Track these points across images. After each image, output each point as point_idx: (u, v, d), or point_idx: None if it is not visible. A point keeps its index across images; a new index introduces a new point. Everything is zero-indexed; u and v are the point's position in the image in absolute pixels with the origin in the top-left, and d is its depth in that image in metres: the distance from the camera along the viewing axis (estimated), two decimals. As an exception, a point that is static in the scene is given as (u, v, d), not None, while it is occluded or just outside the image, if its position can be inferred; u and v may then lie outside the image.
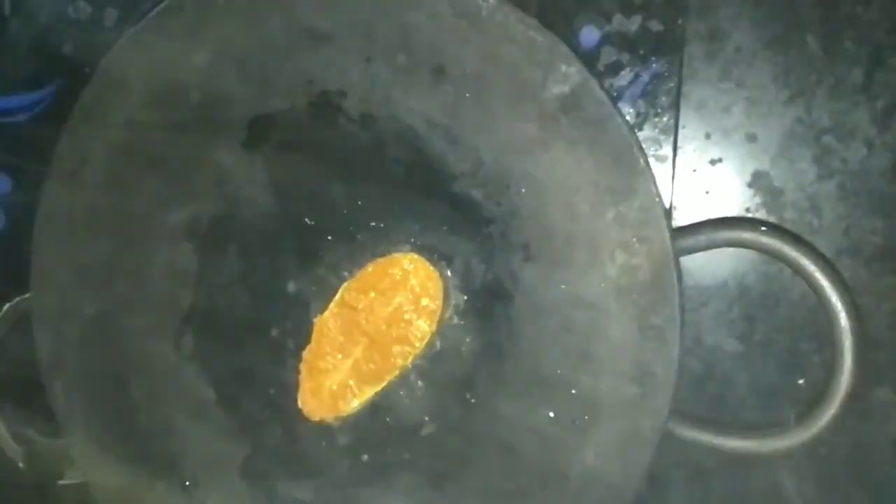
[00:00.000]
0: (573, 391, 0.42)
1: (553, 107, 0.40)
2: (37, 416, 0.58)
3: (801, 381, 0.49)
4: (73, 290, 0.50)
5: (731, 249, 0.46)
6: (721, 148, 0.48)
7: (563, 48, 0.39)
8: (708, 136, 0.48)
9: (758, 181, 0.48)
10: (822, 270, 0.36)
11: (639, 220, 0.39)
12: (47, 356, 0.51)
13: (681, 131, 0.48)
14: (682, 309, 0.39)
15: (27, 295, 0.52)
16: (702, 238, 0.39)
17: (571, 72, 0.39)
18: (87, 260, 0.50)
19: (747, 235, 0.38)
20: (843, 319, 0.36)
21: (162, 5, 0.46)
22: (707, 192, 0.49)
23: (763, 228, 0.38)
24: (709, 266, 0.49)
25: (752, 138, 0.48)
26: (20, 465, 0.59)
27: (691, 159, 0.48)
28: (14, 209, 0.59)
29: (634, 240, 0.40)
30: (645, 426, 0.40)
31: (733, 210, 0.48)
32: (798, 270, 0.37)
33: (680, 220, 0.49)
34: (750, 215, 0.48)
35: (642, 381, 0.40)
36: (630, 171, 0.39)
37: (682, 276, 0.39)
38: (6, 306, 0.53)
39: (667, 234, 0.39)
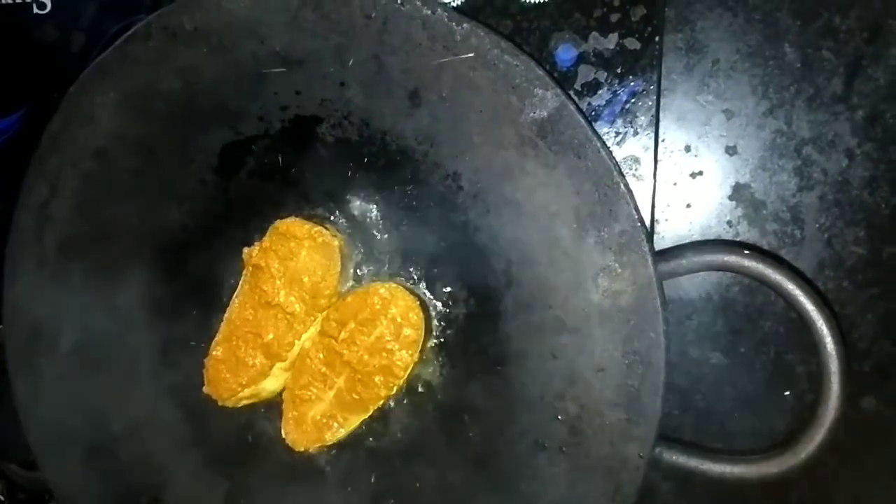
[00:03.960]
0: (559, 417, 0.42)
1: (531, 131, 0.40)
2: (16, 449, 0.57)
3: (787, 393, 0.49)
4: (47, 324, 0.49)
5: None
6: (701, 161, 0.48)
7: (539, 72, 0.39)
8: (688, 149, 0.48)
9: (739, 193, 0.48)
10: (807, 294, 0.36)
11: (620, 245, 0.39)
12: (22, 392, 0.50)
13: (660, 145, 0.47)
14: (668, 334, 0.38)
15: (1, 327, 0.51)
16: (684, 262, 0.39)
17: (548, 96, 0.39)
18: (60, 292, 0.49)
19: (729, 259, 0.38)
20: (829, 344, 0.36)
21: (129, 32, 0.45)
22: (688, 206, 0.48)
23: (746, 252, 0.37)
24: (693, 279, 0.49)
25: (732, 151, 0.48)
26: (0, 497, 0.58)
27: (672, 173, 0.48)
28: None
29: (616, 265, 0.39)
30: (632, 452, 0.39)
31: (715, 223, 0.48)
32: (781, 294, 0.36)
33: (661, 233, 0.49)
34: (731, 228, 0.48)
35: (628, 407, 0.39)
36: (610, 195, 0.39)
37: (665, 301, 0.39)
38: (-21, 339, 0.52)
39: (649, 259, 0.38)
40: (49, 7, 0.54)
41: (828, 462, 0.49)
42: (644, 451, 0.39)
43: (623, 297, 0.39)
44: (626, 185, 0.38)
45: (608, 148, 0.39)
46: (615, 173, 0.38)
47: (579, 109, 0.38)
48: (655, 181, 0.46)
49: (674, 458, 0.40)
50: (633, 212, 0.38)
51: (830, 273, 0.48)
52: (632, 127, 0.46)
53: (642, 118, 0.46)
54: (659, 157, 0.47)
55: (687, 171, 0.48)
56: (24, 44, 0.55)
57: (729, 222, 0.48)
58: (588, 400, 0.41)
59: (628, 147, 0.46)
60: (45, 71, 0.55)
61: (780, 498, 0.50)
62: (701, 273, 0.49)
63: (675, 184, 0.48)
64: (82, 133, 0.47)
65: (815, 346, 0.38)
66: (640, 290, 0.39)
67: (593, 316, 0.40)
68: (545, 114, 0.39)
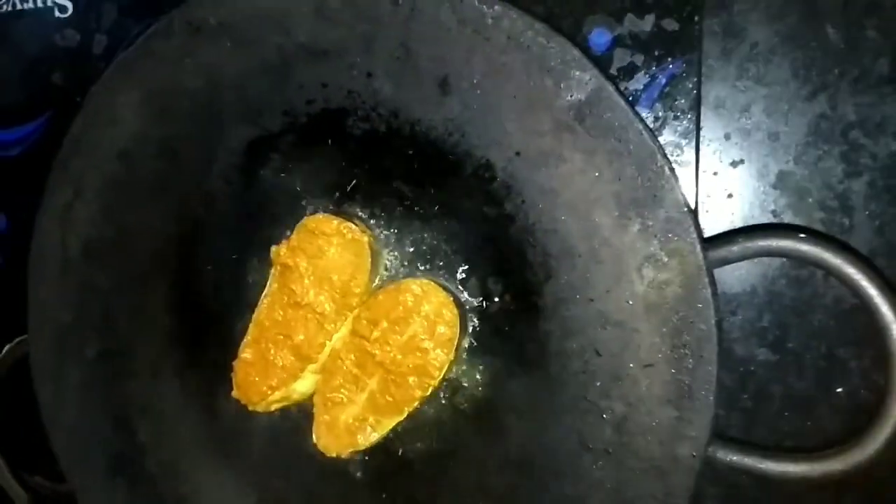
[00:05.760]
0: (605, 417, 0.40)
1: (567, 116, 0.38)
2: (42, 461, 0.56)
3: (839, 390, 0.47)
4: (71, 331, 0.49)
5: (758, 254, 0.44)
6: (742, 149, 0.46)
7: (576, 52, 0.37)
8: (728, 137, 0.46)
9: (783, 181, 0.46)
10: (869, 278, 0.34)
11: (666, 232, 0.37)
12: (47, 400, 0.49)
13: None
14: (720, 325, 0.36)
15: (26, 336, 0.50)
16: (735, 248, 0.37)
17: (585, 77, 0.37)
18: (84, 298, 0.48)
19: (784, 243, 0.36)
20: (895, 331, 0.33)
21: (150, 29, 0.44)
22: (730, 196, 0.47)
23: (801, 235, 0.35)
24: (736, 272, 0.47)
25: (774, 137, 0.46)
26: (26, 511, 0.57)
27: (711, 162, 0.46)
28: (11, 248, 0.57)
29: (662, 253, 0.37)
30: (684, 452, 0.37)
31: (758, 213, 0.46)
32: (843, 279, 0.34)
33: (702, 225, 0.47)
34: (776, 218, 0.46)
35: (679, 404, 0.37)
36: (654, 179, 0.37)
37: (716, 290, 0.37)
38: (5, 348, 0.52)
39: (698, 246, 0.36)
40: (70, 10, 0.54)
41: (891, 461, 0.46)
42: (697, 450, 0.37)
43: (670, 288, 0.37)
44: (671, 169, 0.36)
45: (651, 130, 0.37)
46: (659, 156, 0.36)
47: (619, 90, 0.37)
48: (698, 167, 0.45)
49: (729, 457, 0.37)
50: (680, 196, 0.36)
51: (882, 262, 0.45)
52: (671, 111, 0.44)
53: (682, 102, 0.44)
54: (698, 146, 0.46)
55: (727, 159, 0.46)
56: (47, 48, 0.54)
57: (773, 212, 0.46)
58: (635, 398, 0.39)
59: (668, 133, 0.44)
60: (67, 75, 0.55)
61: (833, 502, 0.48)
62: (745, 266, 0.47)
63: (715, 173, 0.47)
64: (105, 134, 0.46)
65: (869, 339, 0.36)
66: (689, 279, 0.37)
67: (638, 308, 0.38)
68: (582, 96, 0.37)
